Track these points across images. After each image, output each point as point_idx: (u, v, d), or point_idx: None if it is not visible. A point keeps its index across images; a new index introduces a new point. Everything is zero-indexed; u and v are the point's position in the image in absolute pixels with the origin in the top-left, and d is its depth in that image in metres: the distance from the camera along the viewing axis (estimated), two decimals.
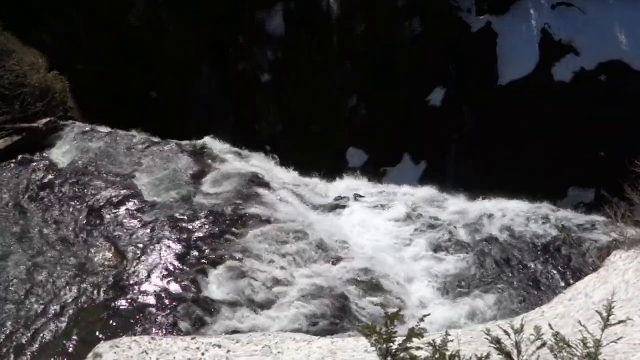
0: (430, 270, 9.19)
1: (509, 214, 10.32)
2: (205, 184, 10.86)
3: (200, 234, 9.42)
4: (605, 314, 3.20)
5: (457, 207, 10.78)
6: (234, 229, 9.61)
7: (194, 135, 12.25)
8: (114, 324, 7.78)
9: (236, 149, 12.10)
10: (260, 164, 11.82)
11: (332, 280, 8.59)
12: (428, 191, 11.42)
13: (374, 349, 3.09)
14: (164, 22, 14.73)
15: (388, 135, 16.89)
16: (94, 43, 14.70)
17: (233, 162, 11.56)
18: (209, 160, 11.55)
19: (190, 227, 9.54)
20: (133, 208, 10.07)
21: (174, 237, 9.28)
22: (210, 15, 14.69)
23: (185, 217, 9.80)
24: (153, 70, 15.07)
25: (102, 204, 10.14)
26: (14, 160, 11.13)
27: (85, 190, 10.43)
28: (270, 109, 15.24)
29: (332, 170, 13.07)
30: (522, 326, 3.13)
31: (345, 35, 14.79)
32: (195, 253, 9.09)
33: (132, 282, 8.47)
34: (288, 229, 9.64)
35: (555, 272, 9.04)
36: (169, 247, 9.13)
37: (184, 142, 11.99)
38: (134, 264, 8.79)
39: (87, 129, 12.44)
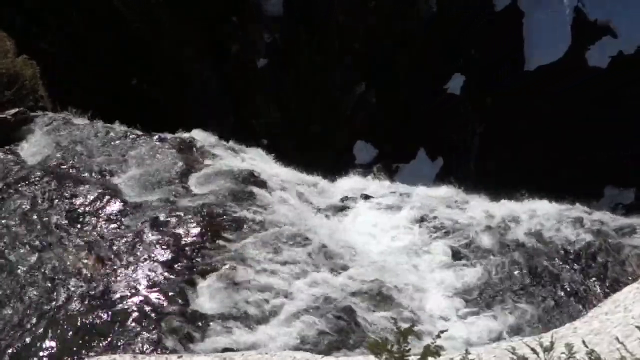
0: (448, 280, 9.13)
1: (537, 216, 10.22)
2: (193, 182, 10.87)
3: (188, 239, 9.44)
4: None
5: (478, 208, 10.77)
6: (225, 234, 9.61)
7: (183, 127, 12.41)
8: (91, 340, 7.79)
9: (229, 143, 12.17)
10: (255, 160, 11.92)
11: (337, 291, 8.55)
12: (445, 191, 11.41)
13: None
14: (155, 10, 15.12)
15: (400, 127, 17.29)
16: (64, 21, 15.31)
17: (225, 157, 11.59)
18: (198, 156, 11.56)
19: (177, 232, 9.57)
20: (112, 210, 10.09)
21: (158, 243, 9.31)
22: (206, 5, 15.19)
23: (171, 220, 9.80)
24: (135, 55, 15.26)
25: (77, 205, 10.19)
26: None
27: (58, 190, 10.48)
28: (270, 109, 16.01)
29: (337, 167, 13.52)
30: (552, 343, 3.13)
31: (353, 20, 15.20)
32: (182, 261, 9.09)
33: (111, 292, 8.49)
34: (287, 234, 9.64)
35: (589, 282, 9.03)
36: (152, 253, 9.16)
37: (169, 136, 12.02)
38: (113, 273, 8.83)
39: (61, 120, 12.49)
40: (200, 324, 7.95)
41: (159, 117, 15.06)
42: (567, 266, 9.25)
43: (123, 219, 9.85)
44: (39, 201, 10.18)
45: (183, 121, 13.65)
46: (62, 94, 13.89)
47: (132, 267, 8.89)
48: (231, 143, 12.21)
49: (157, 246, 9.23)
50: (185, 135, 12.15)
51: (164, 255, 9.10)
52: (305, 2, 16.52)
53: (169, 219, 9.85)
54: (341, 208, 11.08)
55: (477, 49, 18.37)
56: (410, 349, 3.10)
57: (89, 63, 15.25)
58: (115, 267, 8.91)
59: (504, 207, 10.71)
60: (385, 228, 10.32)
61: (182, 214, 9.96)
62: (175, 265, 8.99)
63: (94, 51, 15.25)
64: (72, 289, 8.54)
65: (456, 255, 9.65)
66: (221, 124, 13.55)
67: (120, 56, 15.15)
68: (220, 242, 9.51)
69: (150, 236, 9.39)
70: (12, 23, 14.56)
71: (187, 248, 9.35)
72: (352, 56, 16.79)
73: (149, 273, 8.80)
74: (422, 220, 10.40)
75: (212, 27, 16.46)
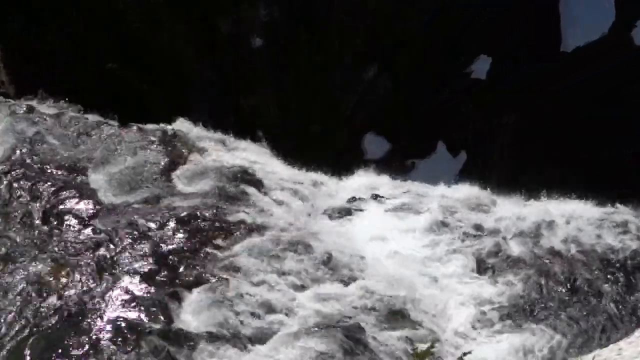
0: (472, 294, 9.14)
1: (575, 220, 10.26)
2: (178, 180, 10.91)
3: (172, 247, 9.46)
4: None
5: (507, 211, 10.77)
6: (215, 240, 9.65)
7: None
8: None
9: (219, 135, 12.23)
10: (250, 154, 11.93)
11: (344, 307, 8.57)
12: (469, 190, 11.43)
13: None
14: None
15: (417, 117, 17.26)
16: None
17: (215, 152, 11.63)
18: (183, 150, 11.61)
19: (159, 238, 9.58)
20: (85, 213, 10.11)
21: (137, 251, 9.30)
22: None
23: (153, 225, 9.82)
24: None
25: (45, 207, 10.18)
26: None
27: (24, 191, 10.51)
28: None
29: (343, 163, 13.47)
30: None
31: None
32: (165, 271, 9.10)
33: (83, 307, 8.46)
34: (286, 240, 9.68)
35: (635, 297, 9.07)
36: (130, 263, 9.16)
37: (150, 127, 12.09)
38: (86, 285, 8.80)
39: (26, 109, 12.49)
40: (185, 344, 7.93)
41: (144, 107, 15.28)
42: (610, 278, 9.26)
43: (97, 223, 9.85)
44: None
45: (153, 101, 14.46)
46: (28, 79, 13.99)
47: (107, 279, 8.87)
48: (220, 134, 12.33)
49: (136, 254, 9.24)
50: (168, 126, 12.23)
51: (143, 264, 9.12)
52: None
53: (149, 223, 9.88)
54: (349, 210, 11.07)
55: (505, 27, 18.29)
56: None
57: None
58: (87, 279, 8.89)
59: (537, 210, 10.69)
60: (400, 234, 10.32)
61: (165, 217, 9.99)
62: (157, 277, 9.01)
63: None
64: (38, 304, 8.53)
65: (481, 265, 9.68)
66: (221, 124, 13.60)
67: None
68: (209, 249, 9.56)
69: (128, 243, 9.41)
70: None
71: (170, 257, 9.37)
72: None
73: (127, 285, 8.79)
74: (442, 224, 10.42)
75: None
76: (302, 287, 8.84)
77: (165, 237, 9.66)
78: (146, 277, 8.91)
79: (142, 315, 8.32)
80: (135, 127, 12.03)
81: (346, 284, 9.01)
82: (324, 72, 17.27)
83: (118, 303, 8.53)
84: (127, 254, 9.27)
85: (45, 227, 9.81)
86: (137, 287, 8.77)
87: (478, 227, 10.40)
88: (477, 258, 9.80)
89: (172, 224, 9.83)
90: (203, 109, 15.30)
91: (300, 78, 17.18)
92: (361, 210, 11.11)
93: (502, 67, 18.43)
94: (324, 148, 16.03)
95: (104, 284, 8.80)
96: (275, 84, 17.29)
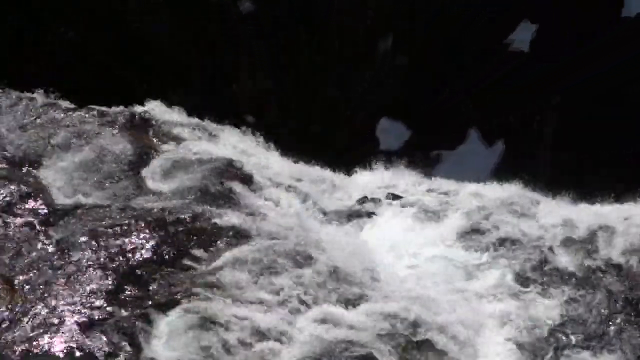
0: (511, 316, 9.15)
1: (637, 227, 10.36)
2: (148, 176, 11.03)
3: (141, 258, 9.45)
4: None
5: (554, 214, 10.85)
6: (194, 250, 9.67)
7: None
8: None
9: (197, 121, 12.38)
10: (237, 144, 12.12)
11: (353, 332, 8.46)
12: (508, 189, 11.54)
13: None
14: None
15: (444, 99, 17.25)
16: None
17: (193, 141, 11.78)
18: (155, 139, 11.76)
19: (124, 247, 9.57)
20: (34, 216, 10.11)
21: (97, 263, 9.26)
22: None
23: (116, 231, 9.83)
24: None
25: None
26: None
27: None
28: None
29: (352, 155, 13.54)
30: None
31: None
32: (132, 288, 9.08)
33: (27, 330, 8.45)
34: (282, 250, 9.61)
35: None
36: (90, 277, 9.12)
37: (114, 109, 12.22)
38: (33, 304, 8.78)
39: None
40: None
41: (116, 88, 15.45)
42: None
43: (48, 229, 9.84)
44: None
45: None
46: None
47: (60, 297, 8.82)
48: (201, 120, 12.51)
49: (97, 267, 9.19)
50: (138, 109, 12.33)
51: (106, 280, 9.07)
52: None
53: (113, 228, 9.88)
54: (359, 213, 11.24)
55: None
56: None
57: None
58: (34, 297, 8.88)
59: (591, 213, 10.82)
60: (422, 242, 10.43)
61: (132, 222, 10.00)
62: (122, 295, 8.97)
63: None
64: None
65: (523, 280, 9.75)
66: (205, 108, 14.02)
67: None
68: (187, 262, 9.56)
69: (86, 253, 9.36)
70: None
71: (139, 271, 9.37)
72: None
73: (83, 304, 8.73)
74: (473, 231, 10.58)
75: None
76: (301, 309, 8.79)
77: (132, 246, 9.66)
78: (109, 296, 8.86)
79: (104, 343, 8.29)
80: (95, 110, 12.10)
81: (355, 304, 8.96)
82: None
83: (72, 326, 8.47)
84: (84, 266, 9.25)
85: None
86: (98, 309, 8.74)
87: (519, 234, 10.49)
88: (517, 272, 9.91)
89: (141, 231, 9.86)
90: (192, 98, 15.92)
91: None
92: (374, 213, 11.25)
93: (549, 36, 18.44)
94: (323, 148, 16.77)
95: (55, 303, 8.78)
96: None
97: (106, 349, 8.28)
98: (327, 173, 12.35)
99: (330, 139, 17.97)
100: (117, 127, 11.77)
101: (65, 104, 12.38)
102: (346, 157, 13.70)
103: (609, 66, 18.12)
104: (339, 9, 18.94)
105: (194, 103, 13.31)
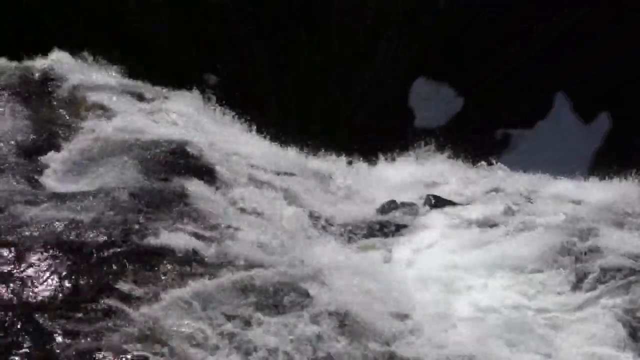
0: None
1: None
2: (54, 170, 9.70)
3: (42, 295, 7.68)
4: None
5: None
6: (125, 284, 7.83)
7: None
8: None
9: (133, 82, 11.45)
10: (192, 117, 11.00)
11: None
12: (617, 188, 10.29)
13: None
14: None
15: (516, 53, 16.87)
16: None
17: (127, 114, 10.47)
18: (67, 110, 10.67)
19: (18, 276, 7.84)
20: None
21: None
22: None
23: (6, 255, 8.04)
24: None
25: None
26: None
27: None
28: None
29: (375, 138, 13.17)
30: None
31: None
32: (26, 344, 7.20)
33: None
34: (261, 284, 7.90)
35: None
36: None
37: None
38: None
39: None
40: None
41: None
42: None
43: None
44: None
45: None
46: None
47: None
48: (138, 82, 11.41)
49: None
50: (38, 63, 11.23)
51: None
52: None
53: (1, 251, 8.11)
54: (382, 226, 9.86)
55: None
56: None
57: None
58: None
59: None
60: (482, 279, 8.81)
61: (28, 240, 8.27)
62: (18, 350, 7.11)
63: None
64: None
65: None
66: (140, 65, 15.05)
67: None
68: (113, 301, 7.64)
69: None
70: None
71: (36, 316, 7.47)
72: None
73: None
74: (564, 251, 8.89)
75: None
76: None
77: (28, 275, 7.88)
78: None
79: None
80: None
81: None
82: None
83: None
84: None
85: None
86: None
87: (633, 258, 8.83)
88: (634, 315, 8.24)
89: (42, 254, 8.08)
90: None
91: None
92: (405, 225, 9.91)
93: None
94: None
95: None
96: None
97: None
98: (336, 165, 11.52)
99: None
100: (10, 91, 10.62)
101: None
102: (366, 138, 13.07)
103: None
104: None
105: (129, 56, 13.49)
